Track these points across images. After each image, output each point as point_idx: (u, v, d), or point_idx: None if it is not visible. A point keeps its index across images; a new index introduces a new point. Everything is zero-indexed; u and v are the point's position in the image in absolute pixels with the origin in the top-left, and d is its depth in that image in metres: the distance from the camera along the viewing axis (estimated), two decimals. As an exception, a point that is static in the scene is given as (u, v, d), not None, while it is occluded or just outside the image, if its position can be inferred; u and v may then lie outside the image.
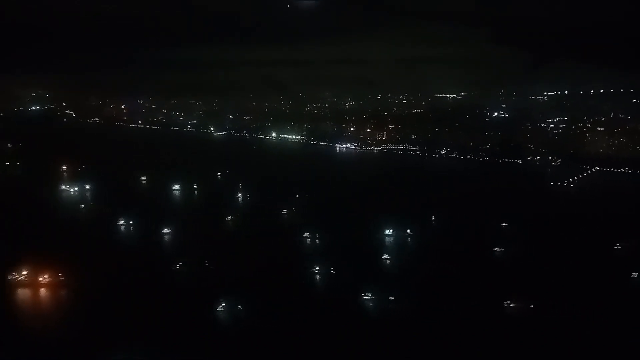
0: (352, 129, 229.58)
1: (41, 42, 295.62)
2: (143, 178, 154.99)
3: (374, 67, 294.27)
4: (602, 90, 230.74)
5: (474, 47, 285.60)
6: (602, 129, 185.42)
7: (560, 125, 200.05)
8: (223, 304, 75.03)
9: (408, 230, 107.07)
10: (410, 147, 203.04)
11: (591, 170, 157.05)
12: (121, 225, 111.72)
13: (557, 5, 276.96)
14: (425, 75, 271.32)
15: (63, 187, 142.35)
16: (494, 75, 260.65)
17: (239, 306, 75.15)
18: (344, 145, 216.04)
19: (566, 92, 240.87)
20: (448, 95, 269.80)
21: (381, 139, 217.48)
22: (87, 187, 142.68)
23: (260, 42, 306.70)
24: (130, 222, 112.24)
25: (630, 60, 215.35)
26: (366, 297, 78.93)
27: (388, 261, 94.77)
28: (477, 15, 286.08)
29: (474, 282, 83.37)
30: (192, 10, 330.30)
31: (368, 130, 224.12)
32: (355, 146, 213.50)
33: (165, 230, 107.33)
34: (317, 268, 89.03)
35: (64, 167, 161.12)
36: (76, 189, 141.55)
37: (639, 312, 73.88)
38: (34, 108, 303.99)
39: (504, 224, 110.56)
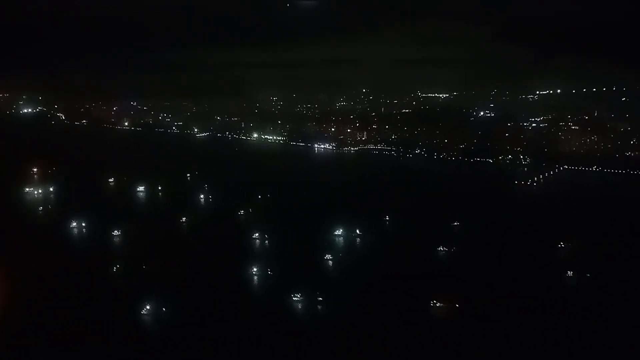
0: (332, 129, 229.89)
1: (36, 44, 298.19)
2: (111, 180, 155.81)
3: (371, 67, 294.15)
4: (594, 89, 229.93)
5: (471, 46, 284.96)
6: (576, 127, 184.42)
7: (541, 125, 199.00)
8: (147, 307, 75.16)
9: (357, 231, 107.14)
10: (386, 147, 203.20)
11: (559, 169, 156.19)
12: (73, 227, 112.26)
13: (559, 4, 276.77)
14: (421, 75, 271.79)
15: (27, 189, 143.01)
16: (490, 74, 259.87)
17: (163, 309, 75.31)
18: (322, 146, 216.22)
19: (558, 90, 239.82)
20: (440, 95, 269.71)
21: (360, 139, 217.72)
22: (52, 189, 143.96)
23: (255, 43, 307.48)
24: (83, 223, 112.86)
25: (626, 59, 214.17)
26: (295, 298, 78.83)
27: (330, 262, 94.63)
28: (477, 14, 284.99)
29: (408, 282, 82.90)
30: (188, 11, 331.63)
31: (348, 130, 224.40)
32: (332, 146, 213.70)
33: (115, 232, 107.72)
34: (255, 269, 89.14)
35: (35, 169, 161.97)
36: (40, 190, 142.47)
37: (567, 311, 73.48)
38: (25, 111, 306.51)
39: (455, 224, 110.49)
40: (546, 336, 67.96)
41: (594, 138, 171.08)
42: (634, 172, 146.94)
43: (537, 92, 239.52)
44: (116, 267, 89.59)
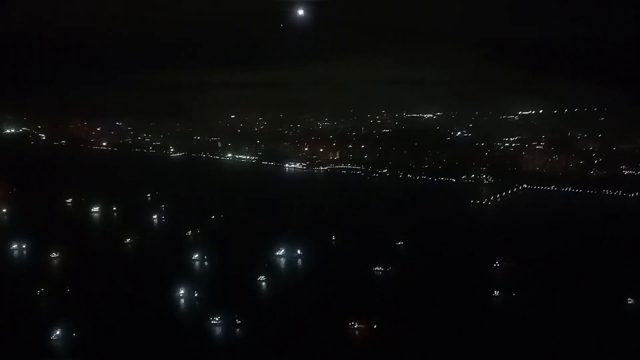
0: (306, 149, 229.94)
1: (22, 63, 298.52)
2: (69, 200, 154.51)
3: (357, 88, 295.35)
4: (575, 109, 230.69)
5: (458, 68, 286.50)
6: (541, 147, 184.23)
7: (513, 145, 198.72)
8: (57, 332, 73.37)
9: (299, 251, 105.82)
10: (355, 166, 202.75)
11: (518, 189, 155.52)
12: (13, 249, 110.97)
13: (545, 27, 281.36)
14: (408, 96, 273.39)
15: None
16: (476, 95, 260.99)
17: (73, 334, 73.55)
18: (292, 165, 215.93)
19: (540, 111, 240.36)
20: (424, 116, 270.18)
21: (333, 158, 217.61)
22: (5, 210, 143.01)
23: (244, 64, 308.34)
24: (24, 245, 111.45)
25: (608, 80, 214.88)
26: (213, 321, 77.19)
27: (262, 283, 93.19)
28: (468, 35, 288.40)
29: (331, 303, 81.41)
30: (178, 32, 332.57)
31: (321, 150, 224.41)
32: (303, 166, 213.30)
33: (53, 254, 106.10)
34: (183, 292, 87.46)
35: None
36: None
37: (489, 331, 72.15)
38: (8, 131, 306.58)
39: (399, 243, 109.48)
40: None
41: (556, 157, 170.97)
42: (590, 191, 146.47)
43: (519, 113, 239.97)
44: (40, 290, 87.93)
